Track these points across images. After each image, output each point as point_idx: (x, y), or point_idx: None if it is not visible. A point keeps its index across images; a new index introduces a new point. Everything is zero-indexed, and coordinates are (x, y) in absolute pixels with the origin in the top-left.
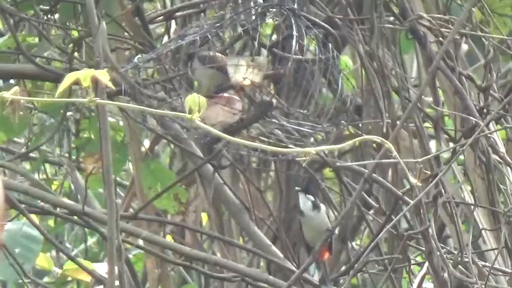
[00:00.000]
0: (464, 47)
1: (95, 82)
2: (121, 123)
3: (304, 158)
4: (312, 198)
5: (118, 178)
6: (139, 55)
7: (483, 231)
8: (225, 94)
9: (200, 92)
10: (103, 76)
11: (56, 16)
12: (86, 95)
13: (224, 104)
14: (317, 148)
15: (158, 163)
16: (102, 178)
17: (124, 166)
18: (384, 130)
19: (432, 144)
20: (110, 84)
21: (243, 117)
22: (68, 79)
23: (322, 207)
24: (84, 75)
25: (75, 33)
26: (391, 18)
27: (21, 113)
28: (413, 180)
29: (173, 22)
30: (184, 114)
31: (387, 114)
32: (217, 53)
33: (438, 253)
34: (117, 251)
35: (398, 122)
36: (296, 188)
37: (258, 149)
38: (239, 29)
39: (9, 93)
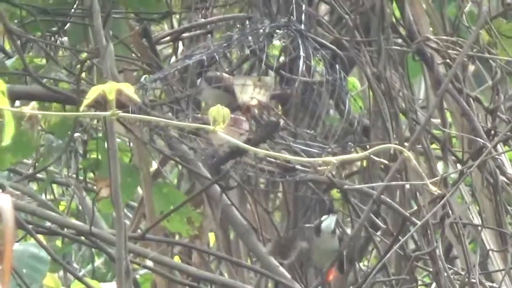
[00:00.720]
0: (471, 67)
1: (106, 100)
2: (129, 144)
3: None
4: (335, 220)
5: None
6: (146, 76)
7: (490, 252)
8: (232, 115)
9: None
10: (128, 88)
11: (64, 37)
12: (108, 109)
13: (231, 125)
14: (340, 157)
15: (170, 187)
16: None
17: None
18: (392, 151)
19: (440, 166)
20: (136, 97)
21: (250, 137)
22: (93, 92)
23: (336, 230)
24: (110, 88)
25: (83, 55)
26: (399, 40)
27: (39, 127)
28: (433, 188)
29: (180, 43)
30: (208, 126)
31: (394, 136)
32: (224, 74)
33: (446, 274)
34: (125, 271)
35: (406, 144)
36: (327, 208)
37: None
38: (247, 50)
39: (27, 108)
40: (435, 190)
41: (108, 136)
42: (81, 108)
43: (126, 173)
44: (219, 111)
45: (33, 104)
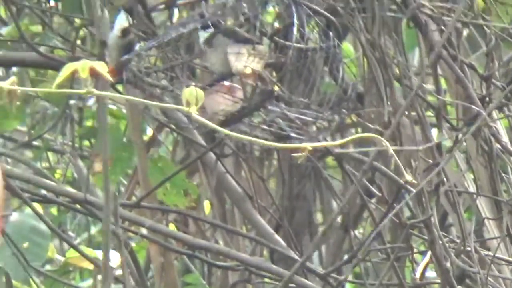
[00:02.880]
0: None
1: (95, 71)
2: (124, 110)
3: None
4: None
5: None
6: (140, 43)
7: (485, 220)
8: (226, 83)
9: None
10: (102, 67)
11: (59, 5)
12: (85, 85)
13: (225, 93)
14: (314, 144)
15: (165, 160)
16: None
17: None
18: (386, 118)
19: (434, 133)
20: (108, 76)
21: (244, 105)
22: (66, 69)
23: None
24: (82, 66)
25: (78, 22)
26: (393, 7)
27: (18, 103)
28: (409, 178)
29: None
30: (182, 107)
31: (389, 103)
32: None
33: (441, 242)
34: (117, 238)
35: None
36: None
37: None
38: (241, 17)
39: (6, 83)
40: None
41: (98, 107)
42: (54, 85)
43: (121, 148)
44: (192, 93)
45: (12, 78)
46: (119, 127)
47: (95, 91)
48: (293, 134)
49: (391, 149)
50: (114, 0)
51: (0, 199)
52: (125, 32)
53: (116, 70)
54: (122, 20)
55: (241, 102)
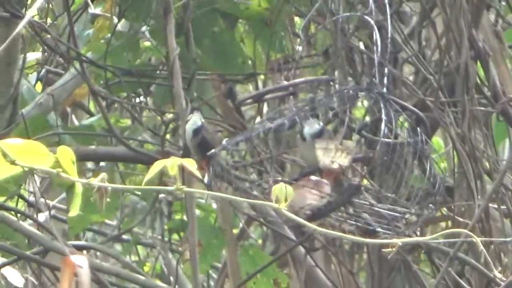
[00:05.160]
0: None
1: (183, 168)
2: (214, 205)
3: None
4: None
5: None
6: (227, 138)
7: None
8: (313, 177)
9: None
10: (190, 164)
11: (149, 99)
12: (174, 183)
13: (312, 187)
14: (403, 240)
15: (256, 248)
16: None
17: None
18: (476, 212)
19: None
20: (197, 174)
21: (331, 200)
22: (155, 167)
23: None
24: (172, 163)
25: (168, 116)
26: (483, 100)
27: (108, 200)
28: (498, 275)
29: (265, 103)
30: (271, 204)
31: (479, 197)
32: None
33: None
34: None
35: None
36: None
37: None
38: (330, 113)
39: (96, 180)
40: None
41: (187, 202)
42: (144, 182)
43: (211, 235)
44: (281, 189)
45: (103, 175)
46: (209, 219)
47: (184, 188)
48: (379, 229)
49: (480, 243)
50: (203, 94)
51: None
52: (196, 132)
53: (205, 165)
54: (196, 120)
55: (328, 197)
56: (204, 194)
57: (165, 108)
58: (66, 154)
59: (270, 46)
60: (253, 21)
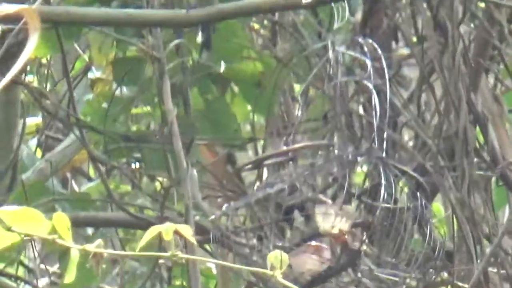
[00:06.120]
0: None
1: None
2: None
3: None
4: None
5: None
6: (226, 204)
7: None
8: (313, 242)
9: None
10: (186, 230)
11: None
12: (171, 249)
13: (312, 253)
14: None
15: None
16: None
17: None
18: (475, 276)
19: None
20: (193, 240)
21: (332, 265)
22: (150, 233)
23: None
24: (167, 229)
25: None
26: (482, 165)
27: (103, 266)
28: None
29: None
30: (266, 271)
31: (478, 261)
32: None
33: None
34: None
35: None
36: None
37: None
38: (330, 178)
39: (92, 246)
40: None
41: (189, 267)
42: (138, 248)
43: None
44: (276, 257)
45: (99, 241)
46: (209, 286)
47: (180, 254)
48: None
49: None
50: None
51: None
52: None
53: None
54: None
55: (328, 262)
56: (200, 260)
57: (160, 173)
58: (62, 220)
59: (257, 109)
60: (244, 83)
